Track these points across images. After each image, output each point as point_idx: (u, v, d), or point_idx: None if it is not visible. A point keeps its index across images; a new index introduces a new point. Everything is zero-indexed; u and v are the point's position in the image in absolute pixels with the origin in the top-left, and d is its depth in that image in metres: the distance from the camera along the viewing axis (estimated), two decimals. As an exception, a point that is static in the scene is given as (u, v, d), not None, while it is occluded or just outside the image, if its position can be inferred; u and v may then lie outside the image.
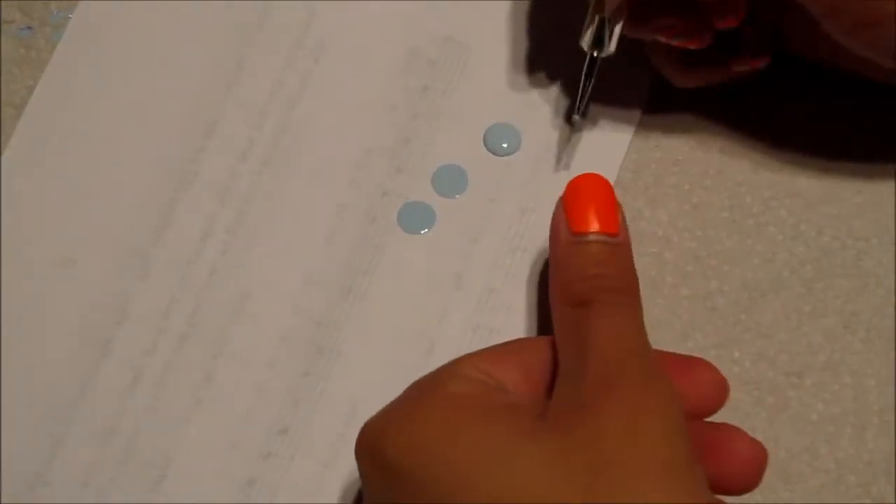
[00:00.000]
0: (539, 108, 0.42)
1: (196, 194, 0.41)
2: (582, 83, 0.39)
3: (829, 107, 0.42)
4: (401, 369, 0.40)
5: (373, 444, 0.32)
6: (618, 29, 0.37)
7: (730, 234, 0.41)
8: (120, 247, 0.41)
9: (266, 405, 0.40)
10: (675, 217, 0.41)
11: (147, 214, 0.41)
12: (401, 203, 0.41)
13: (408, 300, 0.41)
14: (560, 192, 0.36)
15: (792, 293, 0.41)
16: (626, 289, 0.34)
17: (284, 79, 0.42)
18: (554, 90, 0.42)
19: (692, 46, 0.38)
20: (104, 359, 0.40)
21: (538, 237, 0.41)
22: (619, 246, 0.35)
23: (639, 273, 0.38)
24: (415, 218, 0.41)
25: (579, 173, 0.36)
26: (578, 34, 0.38)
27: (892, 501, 0.39)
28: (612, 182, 0.41)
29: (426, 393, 0.33)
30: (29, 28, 0.43)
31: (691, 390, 0.34)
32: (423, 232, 0.41)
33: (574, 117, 0.40)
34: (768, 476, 0.34)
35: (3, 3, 0.43)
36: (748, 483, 0.34)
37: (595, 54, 0.38)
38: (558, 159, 0.41)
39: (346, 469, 0.39)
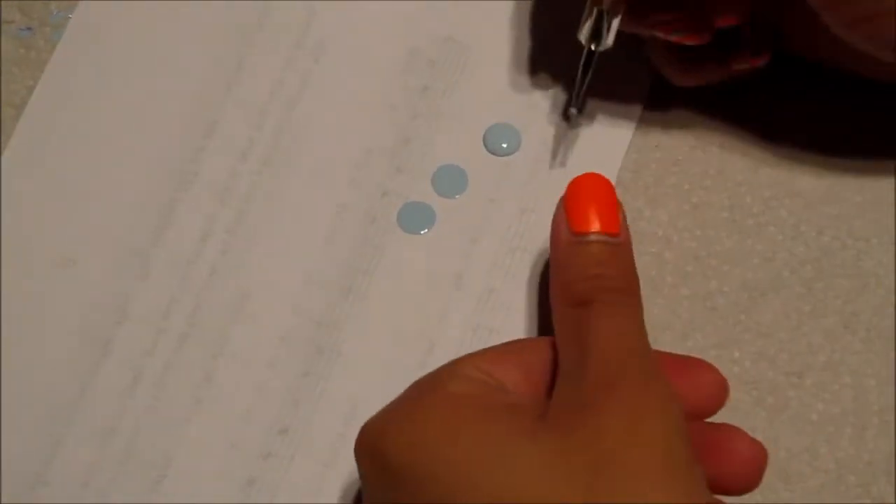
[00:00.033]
0: (539, 108, 0.42)
1: (196, 194, 0.41)
2: (579, 77, 0.39)
3: (830, 106, 0.42)
4: (401, 369, 0.40)
5: (373, 444, 0.32)
6: (616, 23, 0.37)
7: (730, 234, 0.41)
8: (120, 247, 0.41)
9: (266, 405, 0.40)
10: (675, 217, 0.41)
11: (147, 214, 0.41)
12: (401, 203, 0.41)
13: (408, 300, 0.41)
14: (560, 192, 0.36)
15: (792, 293, 0.41)
16: (627, 289, 0.34)
17: (284, 79, 0.42)
18: (554, 90, 0.42)
19: (690, 43, 0.38)
20: (104, 359, 0.40)
21: (538, 237, 0.41)
22: (619, 246, 0.35)
23: (639, 273, 0.38)
24: (415, 218, 0.41)
25: (579, 173, 0.36)
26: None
27: (893, 502, 0.39)
28: (612, 181, 0.41)
29: (426, 393, 0.33)
30: (29, 28, 0.43)
31: (691, 391, 0.34)
32: (422, 232, 0.41)
33: (570, 111, 0.40)
34: (768, 476, 0.34)
35: (3, 3, 0.43)
36: (748, 483, 0.34)
37: (593, 48, 0.38)
38: (553, 156, 0.41)
39: (346, 469, 0.39)
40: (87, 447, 0.39)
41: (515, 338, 0.40)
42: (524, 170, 0.41)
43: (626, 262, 0.35)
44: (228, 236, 0.41)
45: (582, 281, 0.34)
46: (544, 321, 0.40)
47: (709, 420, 0.35)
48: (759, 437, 0.34)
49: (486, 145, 0.42)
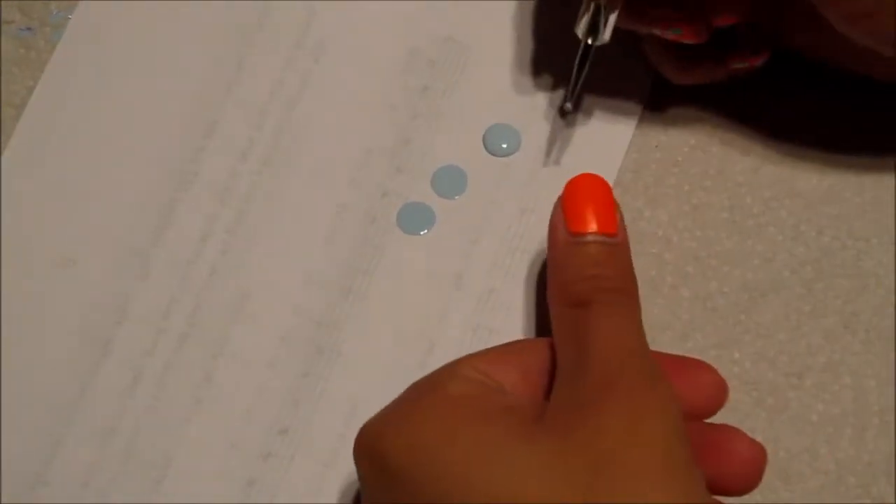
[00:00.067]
0: (539, 108, 0.42)
1: (196, 194, 0.41)
2: (575, 71, 0.39)
3: (830, 106, 0.42)
4: (401, 369, 0.40)
5: (371, 446, 0.32)
6: (613, 18, 0.37)
7: (730, 235, 0.41)
8: (120, 247, 0.41)
9: (266, 405, 0.40)
10: (675, 217, 0.41)
11: (147, 214, 0.41)
12: (400, 203, 0.41)
13: (408, 300, 0.41)
14: (559, 192, 0.36)
15: (792, 294, 0.41)
16: (625, 289, 0.34)
17: (284, 79, 0.42)
18: (554, 91, 0.42)
19: (688, 42, 0.38)
20: (104, 359, 0.40)
21: (538, 238, 0.41)
22: (617, 246, 0.35)
23: (639, 273, 0.38)
24: (414, 219, 0.41)
25: (579, 173, 0.36)
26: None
27: (893, 502, 0.39)
28: (612, 182, 0.41)
29: (425, 394, 0.33)
30: (29, 28, 0.43)
31: (690, 392, 0.34)
32: (422, 233, 0.41)
33: (566, 106, 0.40)
34: (768, 477, 0.34)
35: (3, 3, 0.43)
36: (748, 483, 0.34)
37: (589, 42, 0.38)
38: (548, 153, 0.41)
39: (346, 469, 0.39)
40: (87, 447, 0.39)
41: (515, 338, 0.40)
42: (524, 170, 0.41)
43: (623, 262, 0.35)
44: (228, 236, 0.41)
45: (579, 281, 0.34)
46: (544, 321, 0.40)
47: (708, 421, 0.35)
48: (759, 438, 0.34)
49: (485, 146, 0.42)
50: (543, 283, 0.40)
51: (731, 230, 0.41)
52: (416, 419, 0.32)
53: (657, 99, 0.42)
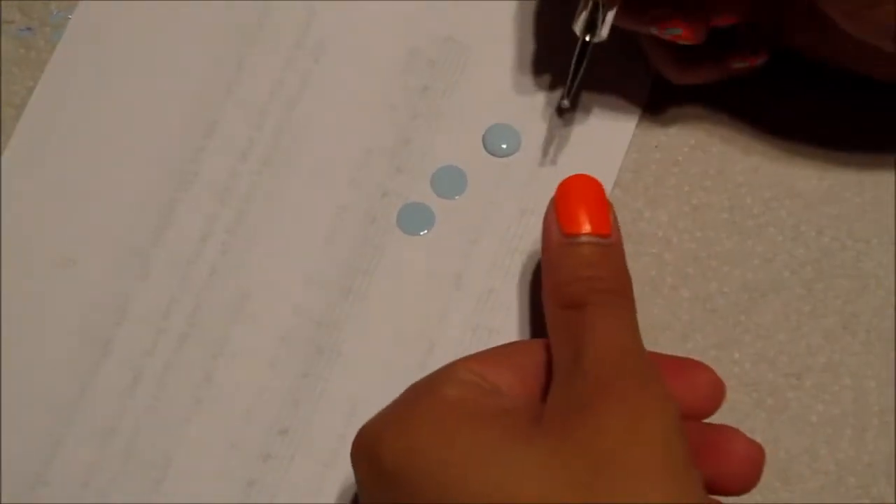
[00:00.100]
0: (539, 109, 0.42)
1: (196, 194, 0.41)
2: (572, 68, 0.38)
3: (830, 106, 0.42)
4: (401, 369, 0.40)
5: (369, 448, 0.32)
6: (611, 15, 0.37)
7: (730, 235, 0.41)
8: (120, 247, 0.41)
9: (266, 405, 0.40)
10: (675, 218, 0.41)
11: (147, 214, 0.41)
12: (400, 204, 0.41)
13: (408, 300, 0.41)
14: (556, 193, 0.36)
15: (792, 294, 0.41)
16: (619, 290, 0.34)
17: (284, 79, 0.42)
18: (554, 91, 0.42)
19: (685, 42, 0.38)
20: (104, 359, 0.40)
21: (537, 238, 0.40)
22: (611, 247, 0.35)
23: (639, 274, 0.38)
24: (414, 219, 0.41)
25: (577, 173, 0.36)
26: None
27: (893, 503, 0.39)
28: (612, 182, 0.41)
29: (422, 397, 0.33)
30: (29, 28, 0.43)
31: (688, 392, 0.34)
32: (422, 233, 0.41)
33: (563, 102, 0.40)
34: (768, 477, 0.34)
35: (3, 3, 0.43)
36: (746, 483, 0.34)
37: (587, 39, 0.38)
38: (545, 153, 0.41)
39: (345, 469, 0.39)
40: (87, 447, 0.39)
41: (515, 338, 0.40)
42: (524, 171, 0.41)
43: (617, 262, 0.35)
44: (228, 236, 0.41)
45: (574, 283, 0.34)
46: (543, 321, 0.40)
47: (707, 421, 0.35)
48: (758, 439, 0.34)
49: (485, 146, 0.42)
50: (543, 284, 0.40)
51: (731, 230, 0.41)
52: (414, 422, 0.32)
53: (657, 99, 0.42)
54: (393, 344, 0.40)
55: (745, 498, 0.34)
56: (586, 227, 0.35)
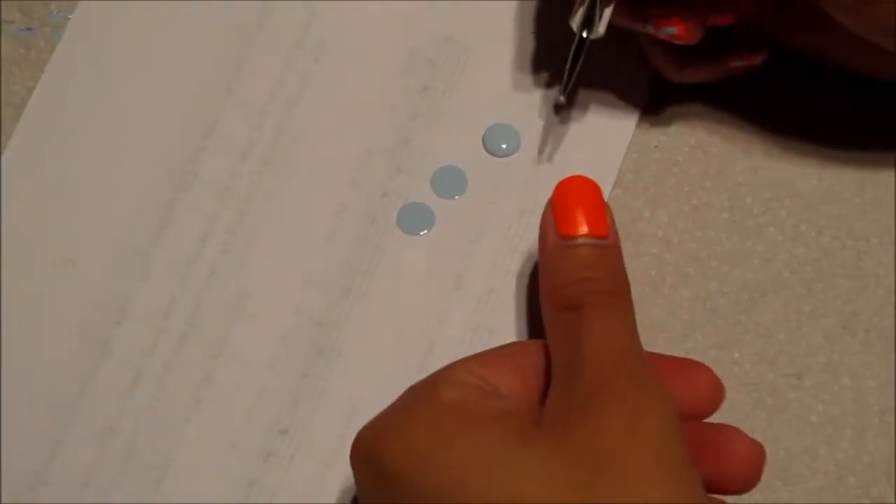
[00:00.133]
0: (539, 108, 0.42)
1: (196, 194, 0.41)
2: (569, 64, 0.38)
3: (830, 106, 0.42)
4: (401, 369, 0.40)
5: (368, 450, 0.32)
6: (608, 12, 0.37)
7: (730, 235, 0.41)
8: (120, 247, 0.41)
9: (266, 405, 0.40)
10: (675, 218, 0.41)
11: (147, 214, 0.41)
12: (400, 204, 0.41)
13: (408, 300, 0.41)
14: (556, 193, 0.36)
15: (792, 294, 0.41)
16: (617, 291, 0.34)
17: (284, 79, 0.42)
18: (553, 91, 0.42)
19: (680, 42, 0.37)
20: (104, 359, 0.40)
21: (537, 238, 0.41)
22: (608, 248, 0.35)
23: (639, 273, 0.38)
24: (414, 219, 0.41)
25: (578, 173, 0.36)
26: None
27: (893, 503, 0.39)
28: (612, 182, 0.41)
29: (421, 399, 0.33)
30: (29, 28, 0.43)
31: (687, 392, 0.34)
32: (422, 233, 0.41)
33: (559, 98, 0.40)
34: (768, 477, 0.34)
35: (3, 3, 0.43)
36: (747, 482, 0.34)
37: (584, 35, 0.38)
38: (541, 150, 0.41)
39: (345, 469, 0.39)
40: (87, 447, 0.39)
41: (515, 338, 0.40)
42: (524, 171, 0.41)
43: (614, 264, 0.35)
44: (228, 236, 0.41)
45: (571, 284, 0.34)
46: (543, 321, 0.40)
47: (707, 421, 0.35)
48: (758, 439, 0.34)
49: (485, 146, 0.42)
50: (543, 284, 0.40)
51: (731, 230, 0.41)
52: (413, 424, 0.32)
53: (657, 99, 0.42)
54: (393, 344, 0.40)
55: (745, 497, 0.34)
56: (583, 229, 0.35)
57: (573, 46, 0.38)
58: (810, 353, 0.40)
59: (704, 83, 0.40)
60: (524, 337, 0.40)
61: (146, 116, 0.42)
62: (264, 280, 0.41)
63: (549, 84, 0.42)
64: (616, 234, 0.35)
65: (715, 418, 0.35)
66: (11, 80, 0.43)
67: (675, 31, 0.37)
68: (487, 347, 0.36)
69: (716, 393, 0.35)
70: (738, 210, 0.41)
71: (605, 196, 0.41)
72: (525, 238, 0.41)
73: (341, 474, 0.39)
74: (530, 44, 0.42)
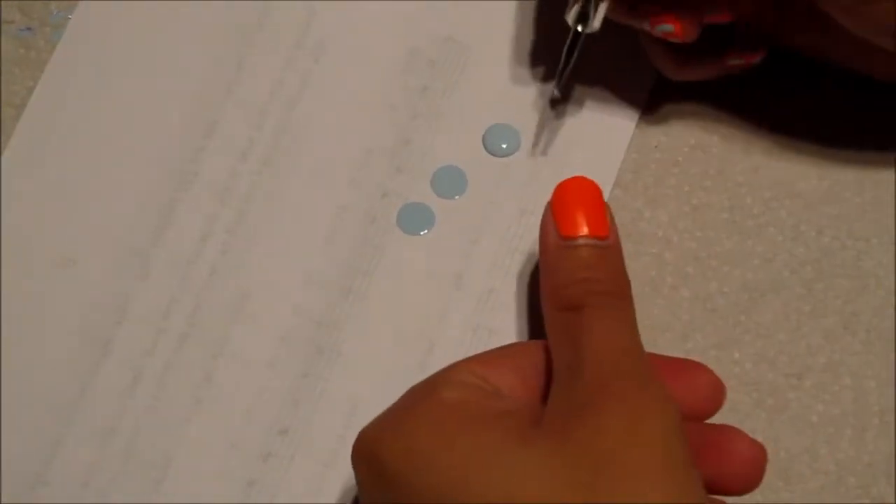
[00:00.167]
0: (539, 108, 0.42)
1: (196, 194, 0.41)
2: (563, 58, 0.38)
3: (830, 106, 0.42)
4: (401, 369, 0.40)
5: (369, 451, 0.32)
6: (603, 7, 0.37)
7: (730, 235, 0.41)
8: (120, 247, 0.41)
9: (266, 405, 0.40)
10: (675, 218, 0.41)
11: (147, 214, 0.41)
12: (400, 204, 0.41)
13: (408, 300, 0.41)
14: (556, 194, 0.36)
15: (792, 294, 0.41)
16: (618, 292, 0.34)
17: (284, 79, 0.42)
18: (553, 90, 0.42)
19: (676, 40, 0.37)
20: (104, 359, 0.40)
21: (538, 238, 0.41)
22: (608, 249, 0.35)
23: (639, 273, 0.38)
24: (414, 219, 0.41)
25: (578, 174, 0.36)
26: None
27: (893, 503, 0.39)
28: (612, 182, 0.41)
29: (422, 399, 0.33)
30: (29, 28, 0.43)
31: (688, 393, 0.34)
32: (422, 233, 0.41)
33: (554, 92, 0.40)
34: (769, 477, 0.34)
35: (3, 3, 0.43)
36: (748, 483, 0.34)
37: (579, 30, 0.37)
38: (535, 143, 0.41)
39: (346, 469, 0.39)
40: (87, 447, 0.39)
41: (515, 338, 0.40)
42: (524, 170, 0.41)
43: (615, 264, 0.35)
44: (228, 236, 0.41)
45: (571, 285, 0.34)
46: (544, 322, 0.40)
47: (709, 421, 0.35)
48: (759, 439, 0.34)
49: (485, 146, 0.42)
50: (543, 284, 0.40)
51: (731, 230, 0.41)
52: (414, 424, 0.32)
53: (657, 99, 0.42)
54: (393, 344, 0.40)
55: (745, 497, 0.34)
56: (583, 230, 0.35)
57: (568, 40, 0.38)
58: (810, 353, 0.40)
59: (703, 82, 0.40)
60: (524, 337, 0.40)
61: (146, 116, 0.42)
62: (264, 280, 0.41)
63: (549, 84, 0.42)
64: (616, 234, 0.35)
65: (715, 418, 0.35)
66: (11, 80, 0.43)
67: (670, 28, 0.37)
68: (487, 347, 0.36)
69: (716, 393, 0.35)
70: (738, 210, 0.41)
71: (605, 196, 0.41)
72: (525, 238, 0.41)
73: (341, 474, 0.39)
74: (530, 44, 0.42)
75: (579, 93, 0.42)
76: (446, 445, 0.31)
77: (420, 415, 0.32)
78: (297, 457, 0.39)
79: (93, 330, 0.40)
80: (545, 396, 0.33)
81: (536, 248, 0.40)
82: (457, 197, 0.41)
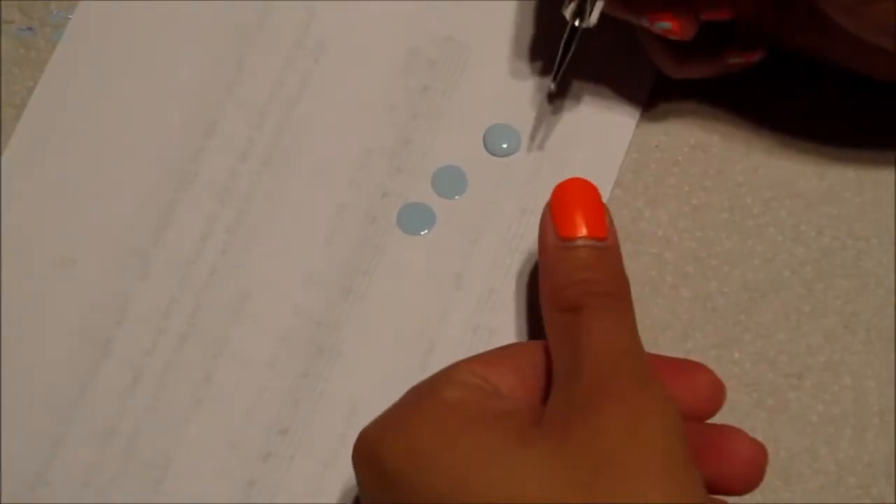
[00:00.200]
0: (539, 108, 0.42)
1: (196, 194, 0.41)
2: (560, 53, 0.38)
3: (829, 106, 0.42)
4: (401, 369, 0.40)
5: (370, 451, 0.32)
6: (600, 2, 0.37)
7: (730, 235, 0.41)
8: (120, 247, 0.41)
9: (266, 405, 0.40)
10: (675, 218, 0.41)
11: (147, 214, 0.41)
12: (400, 204, 0.41)
13: (408, 300, 0.41)
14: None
15: (792, 294, 0.41)
16: (616, 293, 0.34)
17: (284, 79, 0.42)
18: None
19: (674, 37, 0.37)
20: (104, 359, 0.40)
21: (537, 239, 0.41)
22: (607, 250, 0.35)
23: (639, 273, 0.38)
24: (414, 219, 0.41)
25: (581, 173, 0.36)
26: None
27: (893, 503, 0.39)
28: (612, 182, 0.41)
29: (423, 399, 0.33)
30: (29, 28, 0.43)
31: (688, 393, 0.34)
32: (422, 233, 0.41)
33: (550, 87, 0.40)
34: (768, 477, 0.34)
35: (3, 3, 0.43)
36: (749, 483, 0.34)
37: (576, 24, 0.37)
38: (532, 137, 0.41)
39: (346, 469, 0.39)
40: (87, 447, 0.39)
41: (515, 338, 0.40)
42: (524, 170, 0.41)
43: (614, 266, 0.35)
44: (228, 236, 0.41)
45: (570, 286, 0.34)
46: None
47: (709, 421, 0.35)
48: (759, 438, 0.34)
49: (485, 146, 0.42)
50: (543, 284, 0.40)
51: (731, 230, 0.41)
52: (415, 424, 0.32)
53: (657, 98, 0.42)
54: (393, 344, 0.40)
55: (745, 497, 0.34)
56: (582, 231, 0.35)
57: (565, 35, 0.38)
58: (810, 353, 0.40)
59: (704, 81, 0.40)
60: (524, 337, 0.40)
61: (146, 116, 0.42)
62: (264, 280, 0.41)
63: (550, 84, 0.42)
64: (615, 235, 0.36)
65: (715, 419, 0.35)
66: (11, 80, 0.42)
67: (668, 25, 0.37)
68: (487, 347, 0.36)
69: (716, 393, 0.35)
70: (738, 210, 0.41)
71: (605, 196, 0.41)
72: (525, 238, 0.41)
73: (342, 474, 0.39)
74: (530, 43, 0.42)
75: (579, 91, 0.42)
76: (448, 445, 0.31)
77: (421, 414, 0.32)
78: (297, 457, 0.39)
79: (93, 330, 0.40)
80: (545, 397, 0.33)
81: (536, 248, 0.41)
82: (457, 197, 0.41)
